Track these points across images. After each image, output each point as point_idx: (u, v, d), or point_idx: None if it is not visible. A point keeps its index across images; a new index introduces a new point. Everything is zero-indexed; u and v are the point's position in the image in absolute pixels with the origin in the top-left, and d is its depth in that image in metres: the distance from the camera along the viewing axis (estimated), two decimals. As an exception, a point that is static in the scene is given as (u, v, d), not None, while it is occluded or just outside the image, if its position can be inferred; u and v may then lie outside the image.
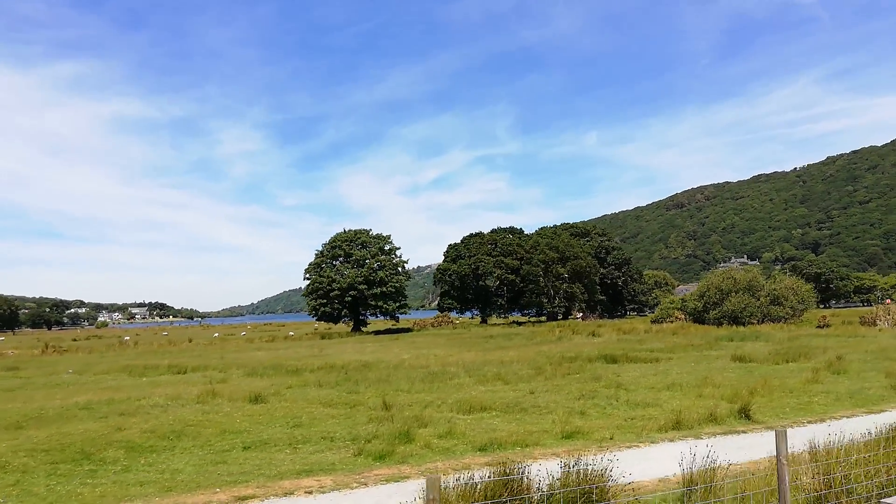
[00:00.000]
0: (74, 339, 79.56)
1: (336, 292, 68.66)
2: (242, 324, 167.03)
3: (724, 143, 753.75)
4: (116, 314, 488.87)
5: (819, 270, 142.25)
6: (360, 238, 72.67)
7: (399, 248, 76.29)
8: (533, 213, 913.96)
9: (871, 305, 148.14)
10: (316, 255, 72.74)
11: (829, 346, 35.43)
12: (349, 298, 68.99)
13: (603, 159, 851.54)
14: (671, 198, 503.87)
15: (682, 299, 65.48)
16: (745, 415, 14.97)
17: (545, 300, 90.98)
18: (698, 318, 60.96)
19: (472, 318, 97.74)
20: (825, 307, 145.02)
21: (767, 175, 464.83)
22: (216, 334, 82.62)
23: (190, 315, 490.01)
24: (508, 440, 13.04)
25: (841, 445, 9.27)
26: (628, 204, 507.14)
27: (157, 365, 34.07)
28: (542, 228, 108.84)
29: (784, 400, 17.96)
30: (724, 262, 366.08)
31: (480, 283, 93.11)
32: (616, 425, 14.76)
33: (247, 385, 24.28)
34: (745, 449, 11.75)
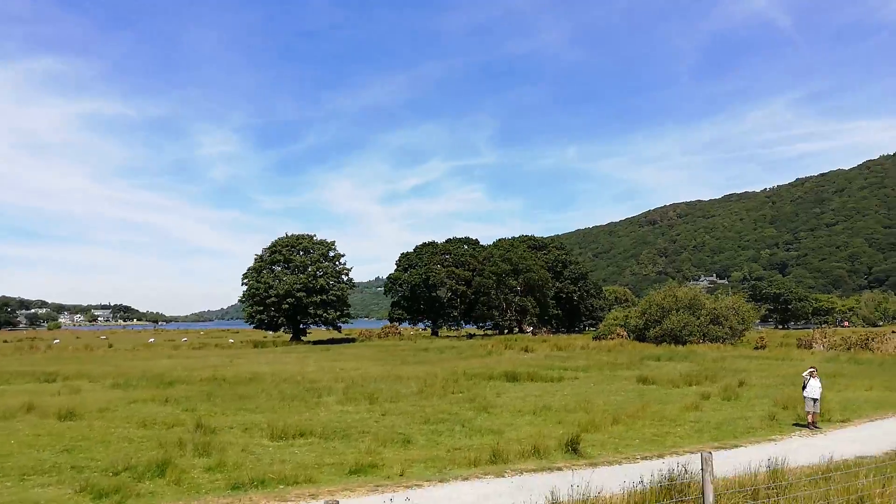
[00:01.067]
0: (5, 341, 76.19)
1: (273, 299, 66.36)
2: (197, 329, 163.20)
3: (701, 161, 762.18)
4: (78, 316, 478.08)
5: (778, 291, 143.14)
6: (302, 243, 70.45)
7: (343, 255, 74.46)
8: (511, 225, 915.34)
9: (829, 326, 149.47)
10: (255, 259, 70.39)
11: (747, 368, 34.28)
12: (286, 306, 66.71)
13: (582, 173, 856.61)
14: (644, 214, 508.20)
15: (626, 316, 64.35)
16: (573, 449, 13.37)
17: (497, 313, 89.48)
18: (640, 335, 59.85)
19: (425, 329, 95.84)
20: (784, 328, 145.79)
21: (739, 195, 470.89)
22: (151, 339, 79.80)
23: (155, 319, 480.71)
24: (282, 475, 11.31)
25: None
26: (606, 218, 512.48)
27: (33, 372, 31.79)
28: (499, 240, 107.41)
29: (643, 430, 16.45)
30: (694, 280, 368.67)
31: (433, 293, 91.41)
32: (429, 457, 13.11)
33: (95, 397, 22.34)
34: (517, 492, 10.12)
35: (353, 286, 73.84)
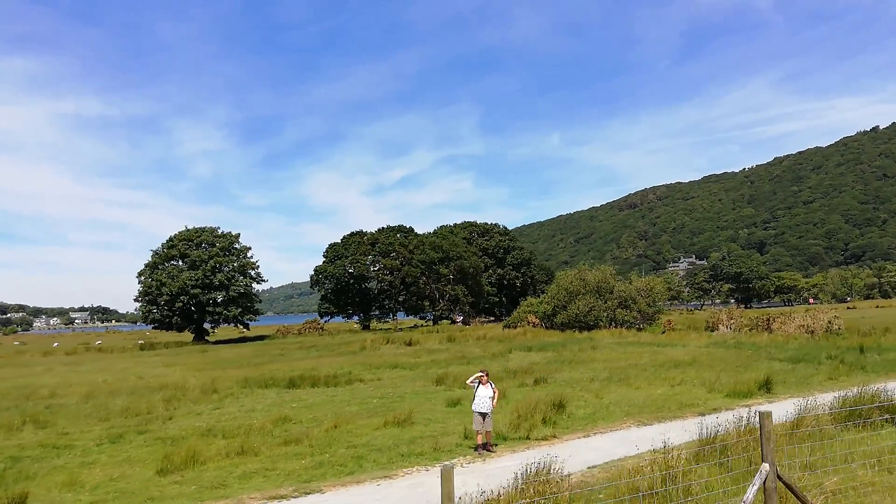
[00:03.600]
0: None
1: (165, 297, 61.89)
2: (117, 331, 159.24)
3: (682, 144, 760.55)
4: (55, 319, 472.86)
5: (738, 270, 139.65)
6: (200, 237, 65.85)
7: (250, 249, 69.79)
8: (498, 213, 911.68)
9: (792, 305, 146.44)
10: (152, 255, 65.78)
11: (602, 358, 30.29)
12: (180, 304, 62.26)
13: (565, 160, 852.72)
14: (624, 198, 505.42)
15: (540, 302, 60.35)
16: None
17: (427, 303, 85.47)
18: (549, 322, 55.95)
19: (357, 322, 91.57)
20: (746, 307, 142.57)
21: (718, 175, 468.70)
22: (55, 343, 75.48)
23: (134, 320, 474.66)
24: None
25: None
26: (589, 204, 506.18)
27: None
28: (440, 227, 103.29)
29: (268, 462, 12.27)
30: (674, 262, 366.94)
31: (363, 285, 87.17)
32: None
33: None
34: None
35: (262, 281, 69.56)
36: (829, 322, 39.76)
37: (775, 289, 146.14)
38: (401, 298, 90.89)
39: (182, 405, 20.18)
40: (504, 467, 10.64)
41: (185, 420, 17.37)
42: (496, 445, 12.68)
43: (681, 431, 12.53)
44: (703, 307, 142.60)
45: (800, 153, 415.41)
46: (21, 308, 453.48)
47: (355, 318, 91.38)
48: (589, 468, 10.37)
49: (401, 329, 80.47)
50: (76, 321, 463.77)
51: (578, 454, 11.54)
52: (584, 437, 13.35)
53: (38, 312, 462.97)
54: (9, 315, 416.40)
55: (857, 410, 12.45)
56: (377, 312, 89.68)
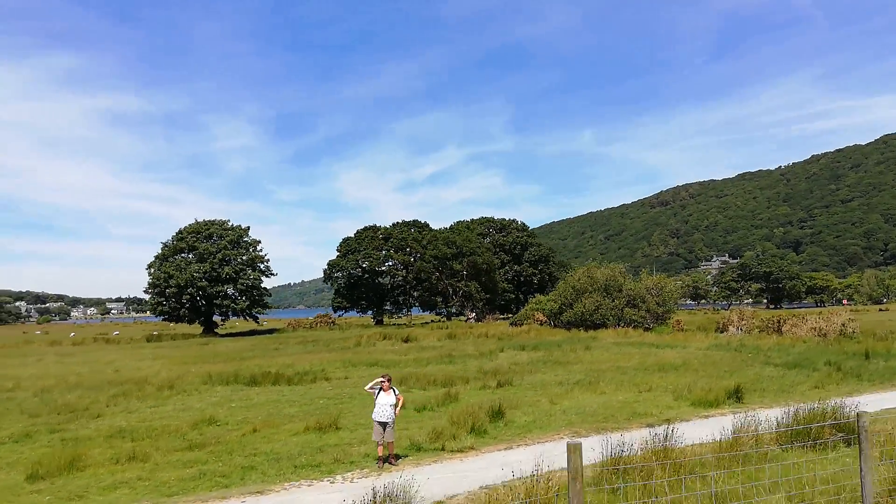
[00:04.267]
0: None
1: (173, 289, 61.94)
2: (135, 322, 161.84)
3: (716, 142, 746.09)
4: (92, 309, 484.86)
5: (768, 269, 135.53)
6: (208, 230, 65.78)
7: (259, 242, 69.52)
8: (528, 210, 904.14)
9: (824, 306, 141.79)
10: (162, 247, 66.04)
11: (595, 359, 28.90)
12: (188, 297, 62.27)
13: (597, 157, 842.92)
14: (656, 195, 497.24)
15: (549, 300, 58.80)
16: None
17: (440, 299, 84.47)
18: (555, 320, 54.48)
19: (371, 317, 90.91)
20: (776, 307, 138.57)
21: (752, 173, 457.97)
22: (72, 334, 76.40)
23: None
24: None
25: None
26: (621, 201, 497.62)
27: None
28: (456, 223, 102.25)
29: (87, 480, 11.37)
30: (706, 260, 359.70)
31: (376, 280, 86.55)
32: None
33: None
34: None
35: (271, 275, 69.25)
36: (843, 325, 37.63)
37: (807, 289, 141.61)
38: (415, 294, 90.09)
39: (126, 402, 19.47)
40: (388, 484, 9.52)
41: (111, 419, 16.61)
42: (399, 458, 11.55)
43: (606, 446, 11.24)
44: (731, 307, 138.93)
45: (838, 151, 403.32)
46: (60, 298, 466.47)
47: (370, 312, 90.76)
48: (449, 498, 9.15)
49: (413, 325, 79.66)
50: (112, 311, 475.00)
51: (480, 471, 10.37)
52: (506, 449, 12.15)
53: (76, 303, 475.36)
54: (48, 305, 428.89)
55: (807, 430, 11.02)
56: (391, 307, 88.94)
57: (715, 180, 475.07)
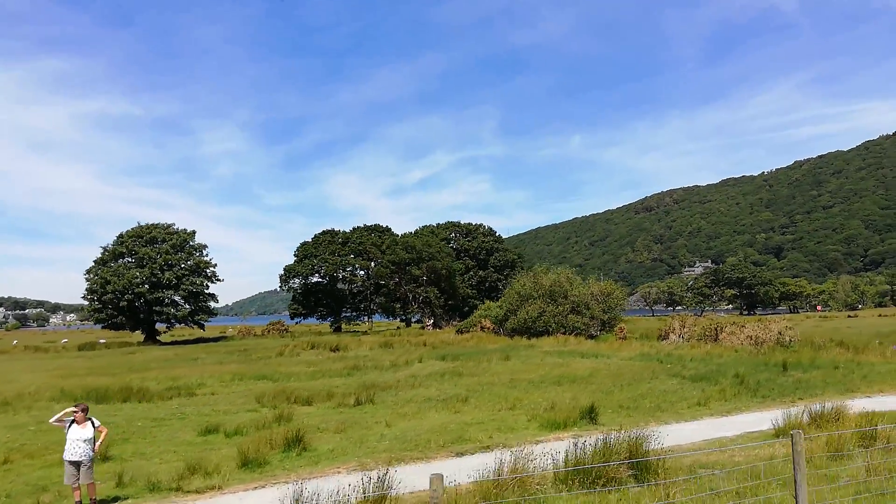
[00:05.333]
0: None
1: (110, 295, 59.59)
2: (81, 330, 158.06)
3: (706, 147, 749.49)
4: (72, 315, 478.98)
5: (741, 275, 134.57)
6: (150, 234, 63.43)
7: (206, 247, 67.28)
8: (518, 216, 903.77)
9: (798, 312, 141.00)
10: (102, 251, 63.58)
11: (502, 371, 27.10)
12: (125, 303, 59.90)
13: (587, 162, 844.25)
14: (641, 201, 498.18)
15: (496, 306, 56.98)
16: None
17: (398, 305, 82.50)
18: (502, 327, 52.71)
19: (329, 324, 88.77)
20: (749, 314, 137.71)
21: (736, 179, 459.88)
22: (14, 342, 73.81)
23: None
24: None
25: None
26: (608, 207, 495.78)
27: None
28: (422, 227, 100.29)
29: None
30: (689, 266, 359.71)
31: (334, 286, 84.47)
32: None
33: None
34: None
35: (216, 280, 66.86)
36: (780, 333, 36.02)
37: (780, 295, 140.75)
38: (377, 300, 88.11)
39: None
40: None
41: None
42: (105, 501, 9.59)
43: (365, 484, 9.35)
44: (704, 313, 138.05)
45: (820, 157, 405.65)
46: (41, 304, 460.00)
47: (330, 319, 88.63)
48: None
49: (368, 332, 77.51)
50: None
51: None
52: (256, 488, 10.22)
53: (56, 308, 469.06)
54: (27, 311, 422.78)
55: (590, 468, 9.17)
56: (350, 314, 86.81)
57: (699, 186, 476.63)
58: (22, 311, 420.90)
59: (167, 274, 61.52)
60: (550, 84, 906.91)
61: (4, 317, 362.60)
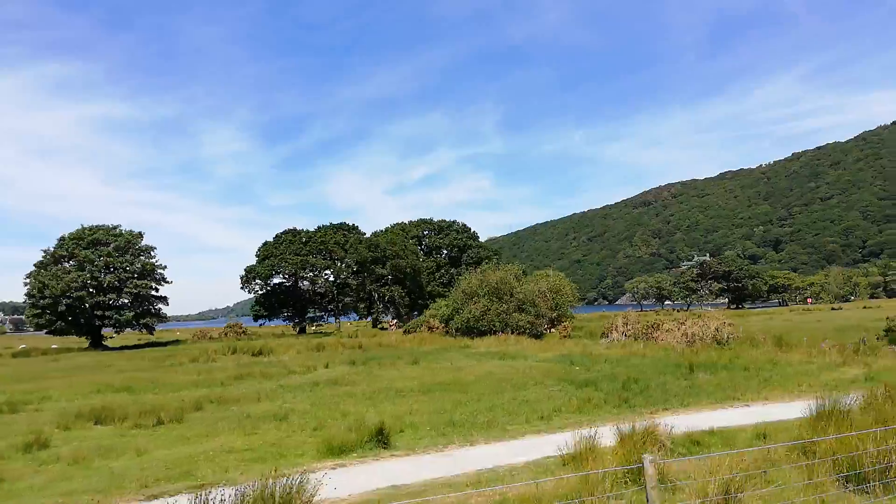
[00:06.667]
0: None
1: (48, 300, 57.39)
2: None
3: (707, 140, 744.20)
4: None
5: (728, 268, 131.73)
6: (93, 236, 61.12)
7: (154, 249, 64.86)
8: (521, 212, 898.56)
9: (787, 305, 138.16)
10: (43, 254, 61.33)
11: (393, 377, 24.71)
12: (63, 308, 57.67)
13: (588, 157, 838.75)
14: (639, 196, 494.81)
15: (444, 305, 54.56)
16: None
17: (362, 305, 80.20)
18: (448, 326, 50.34)
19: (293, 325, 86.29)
20: (737, 308, 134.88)
21: (734, 172, 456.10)
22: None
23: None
24: None
25: None
26: (611, 201, 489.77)
27: None
28: (392, 225, 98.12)
29: None
30: (687, 260, 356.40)
31: (297, 287, 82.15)
32: None
33: None
34: None
35: (165, 283, 64.48)
36: (717, 330, 33.54)
37: (769, 288, 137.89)
38: (346, 300, 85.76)
39: None
40: None
41: None
42: None
43: None
44: (690, 308, 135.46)
45: (818, 149, 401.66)
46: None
47: (297, 320, 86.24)
48: None
49: (331, 333, 75.11)
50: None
51: None
52: None
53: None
54: (23, 316, 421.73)
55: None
56: (314, 315, 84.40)
57: (697, 180, 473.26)
58: (19, 316, 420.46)
59: (108, 277, 59.19)
60: (551, 78, 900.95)
61: (1, 321, 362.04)
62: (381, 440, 12.63)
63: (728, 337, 33.17)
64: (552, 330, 47.64)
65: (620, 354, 29.89)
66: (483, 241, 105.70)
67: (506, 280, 48.34)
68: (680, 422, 14.02)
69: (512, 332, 44.79)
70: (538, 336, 44.77)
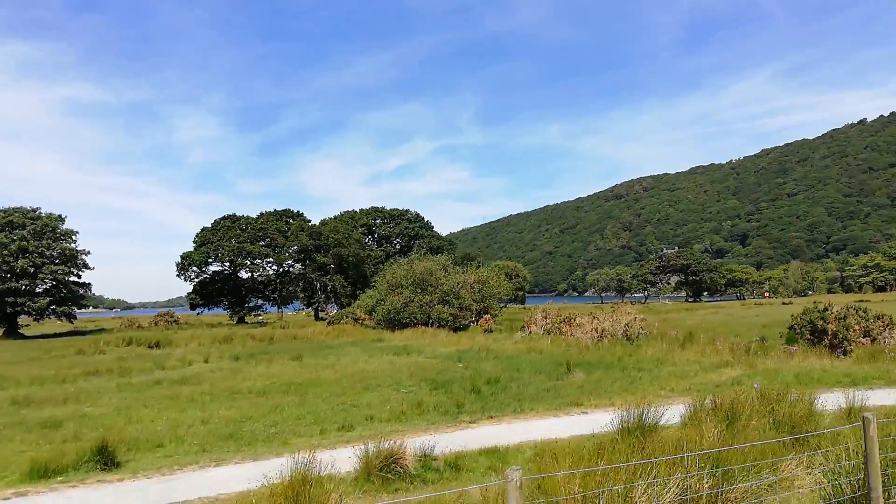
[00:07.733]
0: None
1: (-47, 286, 54.24)
2: None
3: (682, 137, 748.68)
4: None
5: (686, 262, 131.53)
6: (7, 219, 57.85)
7: (76, 233, 61.74)
8: (497, 204, 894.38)
9: (744, 299, 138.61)
10: (-45, 239, 57.82)
11: (264, 374, 22.70)
12: (-33, 293, 54.52)
13: (565, 151, 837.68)
14: (611, 189, 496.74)
15: (369, 295, 52.50)
16: None
17: (303, 295, 77.82)
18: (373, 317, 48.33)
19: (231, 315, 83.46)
20: (695, 300, 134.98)
21: (705, 167, 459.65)
22: None
23: (111, 305, 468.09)
24: None
25: None
26: (584, 194, 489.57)
27: None
28: (342, 213, 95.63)
29: None
30: (657, 253, 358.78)
31: (235, 275, 79.43)
32: None
33: None
34: None
35: (87, 268, 61.53)
36: (628, 325, 31.94)
37: (727, 282, 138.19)
38: (289, 289, 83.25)
39: None
40: None
41: None
42: None
43: None
44: (647, 301, 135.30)
45: (786, 145, 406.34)
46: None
47: (236, 309, 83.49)
48: None
49: (267, 322, 72.67)
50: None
51: None
52: None
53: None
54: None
55: None
56: (255, 304, 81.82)
57: (668, 174, 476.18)
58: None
59: (21, 262, 56.08)
60: (529, 71, 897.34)
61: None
62: (103, 459, 10.52)
63: (639, 333, 31.62)
64: (478, 323, 45.89)
65: (518, 350, 28.18)
66: (457, 231, 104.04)
67: (431, 270, 46.38)
68: (481, 434, 12.18)
69: (435, 325, 42.98)
70: (459, 329, 42.98)
